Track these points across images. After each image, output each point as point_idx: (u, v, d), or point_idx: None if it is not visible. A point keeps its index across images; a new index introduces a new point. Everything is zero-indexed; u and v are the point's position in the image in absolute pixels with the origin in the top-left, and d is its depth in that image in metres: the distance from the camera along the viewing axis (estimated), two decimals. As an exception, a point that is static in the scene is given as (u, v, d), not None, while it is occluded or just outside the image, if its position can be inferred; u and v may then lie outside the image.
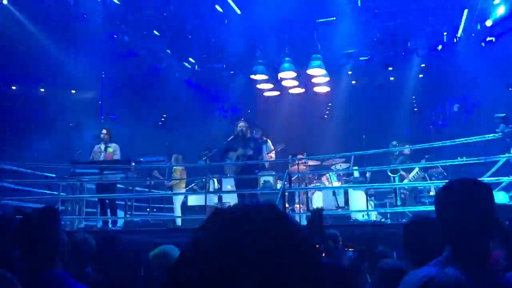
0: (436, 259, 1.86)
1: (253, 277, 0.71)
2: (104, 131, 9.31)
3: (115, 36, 12.68)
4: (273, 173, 9.60)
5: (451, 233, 1.87)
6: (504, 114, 7.42)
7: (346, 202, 9.21)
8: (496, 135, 7.26)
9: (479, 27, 11.99)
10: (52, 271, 2.04)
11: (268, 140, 10.03)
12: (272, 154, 9.87)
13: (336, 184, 9.93)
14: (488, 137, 7.39)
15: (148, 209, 9.82)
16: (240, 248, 0.73)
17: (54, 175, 9.51)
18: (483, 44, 11.78)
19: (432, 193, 9.74)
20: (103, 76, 13.49)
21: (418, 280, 1.27)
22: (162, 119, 16.20)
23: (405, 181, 9.77)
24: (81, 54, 12.28)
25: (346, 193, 9.28)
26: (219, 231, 0.76)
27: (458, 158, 8.55)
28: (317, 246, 3.39)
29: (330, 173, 10.05)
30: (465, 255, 1.81)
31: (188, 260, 0.75)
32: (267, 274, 0.72)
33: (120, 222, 8.88)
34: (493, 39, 11.66)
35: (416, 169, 9.71)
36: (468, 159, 8.06)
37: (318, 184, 10.17)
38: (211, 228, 0.78)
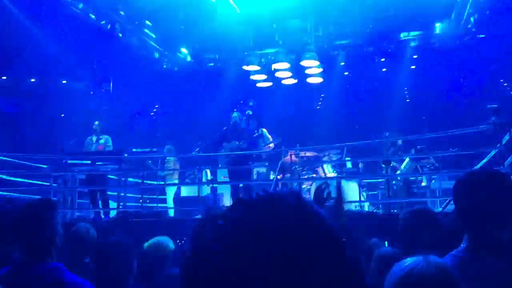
0: (455, 250, 1.87)
1: (280, 268, 0.69)
2: (96, 122, 9.28)
3: (105, 23, 12.52)
4: (266, 164, 9.60)
5: (471, 222, 1.86)
6: (496, 106, 7.46)
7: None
8: (488, 126, 7.30)
9: (472, 19, 12.01)
10: (48, 263, 2.03)
11: (265, 130, 9.94)
12: (271, 145, 9.79)
13: (332, 175, 9.95)
14: (480, 128, 7.43)
15: (141, 200, 9.79)
16: (266, 238, 0.70)
17: (45, 166, 9.46)
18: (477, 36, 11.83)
19: (424, 184, 9.81)
20: (95, 66, 13.37)
21: (400, 271, 1.27)
22: (155, 110, 16.13)
23: (398, 172, 9.82)
24: (71, 43, 12.15)
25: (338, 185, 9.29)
26: (243, 219, 0.73)
27: (450, 149, 8.61)
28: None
29: (326, 164, 10.06)
30: (483, 245, 1.81)
31: (209, 250, 0.72)
32: (293, 265, 0.69)
33: (113, 213, 8.86)
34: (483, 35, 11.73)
35: (407, 160, 9.76)
36: (459, 150, 8.12)
37: (314, 175, 10.19)
38: (234, 217, 0.74)
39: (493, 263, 1.77)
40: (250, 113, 10.11)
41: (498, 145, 7.42)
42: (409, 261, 1.29)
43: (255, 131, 9.69)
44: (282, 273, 0.68)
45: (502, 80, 14.04)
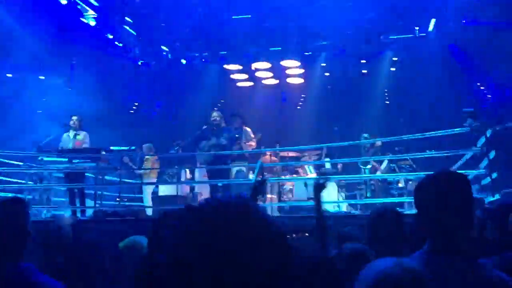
0: (418, 252, 1.89)
1: (223, 280, 0.70)
2: (73, 118, 9.13)
3: (84, 21, 12.35)
4: (246, 163, 9.59)
5: (432, 226, 1.88)
6: (472, 109, 7.60)
7: (317, 193, 9.28)
8: (464, 129, 7.43)
9: (450, 22, 12.19)
10: (19, 264, 1.98)
11: (247, 129, 9.90)
12: (253, 143, 9.75)
13: (313, 175, 9.99)
14: (456, 130, 7.55)
15: (118, 199, 9.68)
16: (211, 250, 0.71)
17: (21, 163, 9.27)
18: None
19: (401, 185, 9.93)
20: (74, 62, 13.17)
21: (373, 276, 1.27)
22: (134, 108, 15.96)
23: (378, 173, 9.91)
24: (50, 38, 11.95)
25: (317, 184, 9.35)
26: (188, 231, 0.74)
27: (427, 151, 8.73)
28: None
29: (307, 165, 10.10)
30: (446, 246, 1.83)
31: (155, 262, 0.73)
32: (237, 276, 0.70)
33: (89, 212, 8.74)
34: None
35: (386, 161, 9.87)
36: (436, 152, 8.24)
37: (295, 175, 10.23)
38: (179, 227, 0.75)
39: (454, 264, 1.80)
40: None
41: (474, 147, 7.56)
42: (382, 265, 1.29)
43: (236, 129, 9.62)
44: (229, 283, 0.70)
45: (478, 84, 14.29)
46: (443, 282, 1.73)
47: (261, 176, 8.09)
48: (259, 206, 0.79)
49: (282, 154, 10.34)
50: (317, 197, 3.45)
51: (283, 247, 0.77)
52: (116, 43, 13.57)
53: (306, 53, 13.63)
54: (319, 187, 3.47)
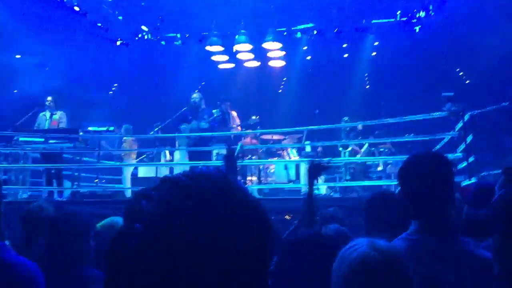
0: (405, 233, 1.92)
1: (203, 248, 0.68)
2: (49, 98, 8.92)
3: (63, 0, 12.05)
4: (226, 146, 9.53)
5: (417, 207, 1.90)
6: (452, 94, 7.66)
7: (297, 176, 9.34)
8: (443, 113, 7.50)
9: (430, 7, 12.24)
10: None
11: (233, 112, 9.83)
12: (239, 128, 9.69)
13: (296, 158, 10.01)
14: (435, 115, 7.62)
15: (96, 180, 9.56)
16: (189, 218, 0.70)
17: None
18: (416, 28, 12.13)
19: (380, 168, 10.04)
20: (50, 41, 12.84)
21: (350, 261, 1.26)
22: (113, 88, 15.72)
23: (358, 155, 9.98)
24: (26, 17, 11.63)
25: (297, 167, 9.40)
26: (166, 200, 0.72)
27: (406, 135, 8.82)
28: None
29: (290, 148, 10.12)
30: (432, 227, 1.86)
31: (132, 232, 0.70)
32: (217, 245, 0.69)
33: (67, 193, 8.62)
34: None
35: (366, 145, 9.94)
36: (415, 136, 8.33)
37: (277, 158, 10.24)
38: (157, 197, 0.73)
39: (440, 244, 1.84)
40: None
41: (452, 131, 7.65)
42: (357, 248, 1.28)
43: (223, 114, 9.53)
44: (209, 251, 0.69)
45: (458, 69, 14.45)
46: (430, 261, 1.78)
47: (241, 159, 8.07)
48: (236, 178, 0.78)
49: (265, 137, 10.34)
50: (311, 181, 3.39)
51: (262, 218, 0.76)
52: (98, 24, 13.28)
53: (287, 35, 13.54)
54: (314, 171, 3.39)
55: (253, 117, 9.89)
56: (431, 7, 12.25)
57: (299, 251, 1.95)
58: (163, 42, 14.53)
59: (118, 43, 14.27)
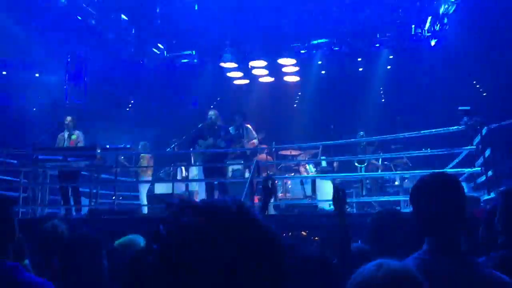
0: (417, 252, 1.93)
1: (213, 277, 0.69)
2: (68, 118, 9.06)
3: (79, 18, 12.29)
4: (242, 162, 9.56)
5: (428, 227, 1.93)
6: (468, 108, 7.60)
7: (313, 191, 9.30)
8: (460, 127, 7.43)
9: (446, 20, 12.21)
10: (3, 263, 1.95)
11: (249, 126, 9.83)
12: (255, 141, 9.71)
13: (314, 174, 9.99)
14: (452, 129, 7.55)
15: (113, 197, 9.64)
16: (202, 243, 0.72)
17: (15, 161, 9.22)
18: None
19: (397, 183, 9.94)
20: (69, 59, 13.10)
21: (358, 283, 1.25)
22: (130, 106, 15.91)
23: (378, 170, 9.91)
24: (45, 36, 11.89)
25: (313, 183, 9.36)
26: (182, 226, 0.75)
27: (423, 149, 8.74)
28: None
29: (308, 164, 10.10)
30: (444, 247, 1.88)
31: (147, 255, 0.73)
32: (230, 269, 0.71)
33: (85, 210, 8.70)
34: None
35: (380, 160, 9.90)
36: (432, 150, 8.25)
37: (294, 174, 10.23)
38: (174, 223, 0.76)
39: (452, 265, 1.84)
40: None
41: (469, 145, 7.57)
42: (366, 268, 1.27)
43: (237, 128, 9.57)
44: (222, 275, 0.70)
45: (474, 82, 14.32)
46: (443, 281, 1.78)
47: (257, 174, 8.08)
48: (253, 208, 0.80)
49: (283, 152, 10.35)
50: (341, 212, 3.12)
51: (277, 250, 0.78)
52: (111, 40, 13.51)
53: (302, 51, 13.61)
54: (340, 200, 3.12)
55: (260, 134, 9.91)
56: (445, 20, 12.20)
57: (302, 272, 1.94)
58: (179, 59, 14.70)
59: (141, 61, 14.49)
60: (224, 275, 0.70)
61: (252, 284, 0.72)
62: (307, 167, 10.26)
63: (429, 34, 12.80)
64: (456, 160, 8.14)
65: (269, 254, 0.76)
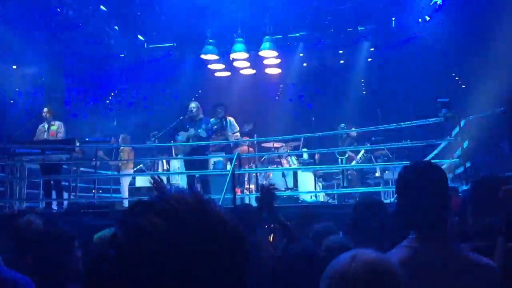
0: (405, 241, 1.96)
1: (176, 271, 0.68)
2: (45, 109, 8.93)
3: (58, 9, 12.06)
4: (223, 154, 9.54)
5: (414, 216, 1.95)
6: (447, 100, 7.69)
7: (295, 183, 9.33)
8: (438, 119, 7.52)
9: (426, 13, 12.31)
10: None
11: (231, 118, 9.80)
12: (237, 134, 9.68)
13: (296, 166, 10.02)
14: (431, 121, 7.64)
15: (93, 191, 9.53)
16: (158, 242, 0.70)
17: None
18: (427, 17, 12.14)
19: (377, 174, 10.04)
20: (46, 52, 12.86)
21: (332, 273, 1.24)
22: (110, 98, 15.71)
23: (353, 162, 9.99)
24: (22, 28, 11.64)
25: (295, 175, 9.40)
26: (134, 225, 0.73)
27: (403, 141, 8.84)
28: (271, 226, 3.42)
29: (290, 156, 10.13)
30: (431, 235, 1.91)
31: (106, 257, 0.71)
32: (190, 268, 0.69)
33: (64, 204, 8.59)
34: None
35: (362, 151, 9.95)
36: (412, 142, 8.34)
37: (276, 166, 10.25)
38: (127, 222, 0.74)
39: (440, 251, 1.87)
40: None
41: (448, 137, 7.67)
42: (340, 259, 1.26)
43: (219, 120, 9.52)
44: (182, 274, 0.68)
45: (454, 74, 14.49)
46: (431, 269, 1.82)
47: (238, 168, 8.06)
48: (213, 201, 0.78)
49: (266, 145, 10.35)
50: (265, 206, 3.26)
51: (239, 238, 0.76)
52: (90, 32, 13.29)
53: (284, 43, 13.59)
54: (266, 196, 3.26)
55: (247, 125, 9.87)
56: (426, 13, 12.31)
57: (291, 267, 1.95)
58: (159, 51, 14.55)
59: (115, 52, 14.29)
60: (185, 276, 0.68)
61: (215, 283, 0.70)
62: (289, 159, 10.29)
63: (409, 26, 12.91)
64: (435, 152, 8.24)
65: (231, 250, 0.74)
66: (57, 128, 8.91)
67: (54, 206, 8.56)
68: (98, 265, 0.71)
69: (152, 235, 0.70)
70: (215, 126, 9.28)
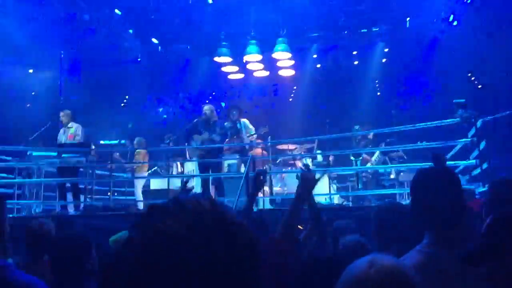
0: (419, 245, 1.94)
1: (191, 272, 0.69)
2: (61, 113, 9.01)
3: (73, 13, 12.20)
4: (237, 156, 9.54)
5: (429, 220, 1.94)
6: (463, 100, 7.60)
7: (309, 185, 9.27)
8: (455, 120, 7.44)
9: (443, 14, 12.20)
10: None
11: (246, 120, 9.77)
12: (254, 136, 9.66)
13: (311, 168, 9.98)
14: (447, 122, 7.56)
15: (109, 193, 9.60)
16: (174, 245, 0.71)
17: (9, 158, 9.16)
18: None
19: (392, 176, 9.95)
20: (62, 56, 13.01)
21: (348, 280, 1.22)
22: (125, 101, 15.84)
23: (368, 164, 9.92)
24: (38, 32, 11.79)
25: (309, 177, 9.34)
26: (152, 229, 0.73)
27: (418, 142, 8.75)
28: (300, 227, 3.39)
29: (305, 158, 10.10)
30: (446, 239, 1.89)
31: (123, 259, 0.72)
32: (204, 269, 0.70)
33: (80, 206, 8.68)
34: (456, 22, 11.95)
35: (377, 153, 9.88)
36: (427, 143, 8.25)
37: (291, 168, 10.22)
38: (144, 226, 0.75)
39: (454, 257, 1.82)
40: (223, 104, 9.89)
41: (464, 138, 7.58)
42: (357, 265, 1.24)
43: (234, 123, 9.53)
44: (197, 275, 0.69)
45: (469, 75, 14.32)
46: (445, 275, 1.80)
47: (252, 170, 8.05)
48: (227, 207, 0.80)
49: (281, 147, 10.33)
50: (305, 194, 3.11)
51: (250, 241, 0.77)
52: (105, 35, 13.42)
53: (298, 45, 13.57)
54: (308, 183, 3.08)
55: (263, 128, 9.86)
56: (442, 14, 12.20)
57: (316, 273, 1.94)
58: (173, 54, 14.64)
59: (135, 56, 14.42)
60: (201, 278, 0.69)
61: (228, 285, 0.71)
62: (304, 161, 10.26)
63: (424, 27, 12.80)
64: (451, 153, 8.14)
65: (245, 255, 0.75)
66: (75, 131, 8.96)
67: (70, 208, 8.64)
68: (115, 267, 0.72)
69: (169, 238, 0.71)
70: (230, 131, 9.30)
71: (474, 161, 7.38)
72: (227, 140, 9.35)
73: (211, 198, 0.79)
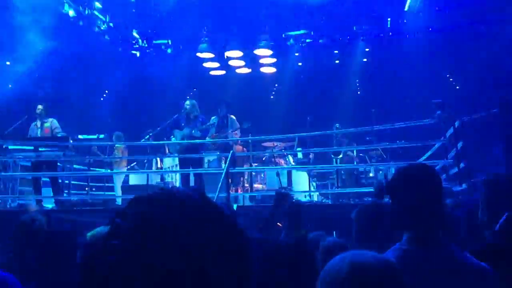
0: (398, 243, 1.94)
1: (179, 261, 0.68)
2: (39, 106, 8.82)
3: (52, 6, 11.98)
4: (218, 152, 9.51)
5: (408, 218, 1.94)
6: (440, 100, 7.71)
7: (289, 182, 9.33)
8: (433, 120, 7.55)
9: (421, 15, 12.36)
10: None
11: (233, 117, 9.70)
12: (238, 132, 9.64)
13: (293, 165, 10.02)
14: (425, 121, 7.66)
15: (86, 188, 9.48)
16: (165, 232, 0.70)
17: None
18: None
19: (371, 175, 10.06)
20: (41, 48, 12.75)
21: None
22: (104, 95, 15.63)
23: (354, 162, 10.00)
24: (15, 24, 11.55)
25: (289, 174, 9.39)
26: (140, 216, 0.72)
27: (397, 141, 8.86)
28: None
29: (288, 155, 10.13)
30: (425, 237, 1.90)
31: (109, 248, 0.70)
32: (193, 259, 0.69)
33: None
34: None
35: (354, 151, 10.01)
36: (406, 142, 8.36)
37: (272, 165, 10.24)
38: (131, 214, 0.73)
39: (432, 254, 1.86)
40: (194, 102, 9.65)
41: (442, 138, 7.69)
42: (337, 261, 1.24)
43: (222, 118, 9.47)
44: (185, 265, 0.68)
45: (448, 75, 14.55)
46: (424, 271, 1.80)
47: (232, 167, 8.02)
48: (211, 199, 0.79)
49: (267, 144, 10.34)
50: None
51: (243, 241, 0.77)
52: (85, 28, 13.21)
53: (279, 43, 13.59)
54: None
55: (246, 122, 9.84)
56: (421, 14, 12.35)
57: (277, 258, 1.92)
58: (153, 48, 14.50)
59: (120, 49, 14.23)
60: (192, 269, 0.68)
61: (219, 279, 0.70)
62: (287, 158, 10.31)
63: (404, 27, 12.95)
64: (429, 152, 8.27)
65: (235, 246, 0.75)
66: (50, 125, 8.80)
67: (46, 203, 8.48)
68: (100, 256, 0.70)
69: (158, 223, 0.70)
70: (212, 124, 9.25)
71: (451, 160, 7.51)
72: (212, 135, 9.28)
73: (197, 189, 0.79)
